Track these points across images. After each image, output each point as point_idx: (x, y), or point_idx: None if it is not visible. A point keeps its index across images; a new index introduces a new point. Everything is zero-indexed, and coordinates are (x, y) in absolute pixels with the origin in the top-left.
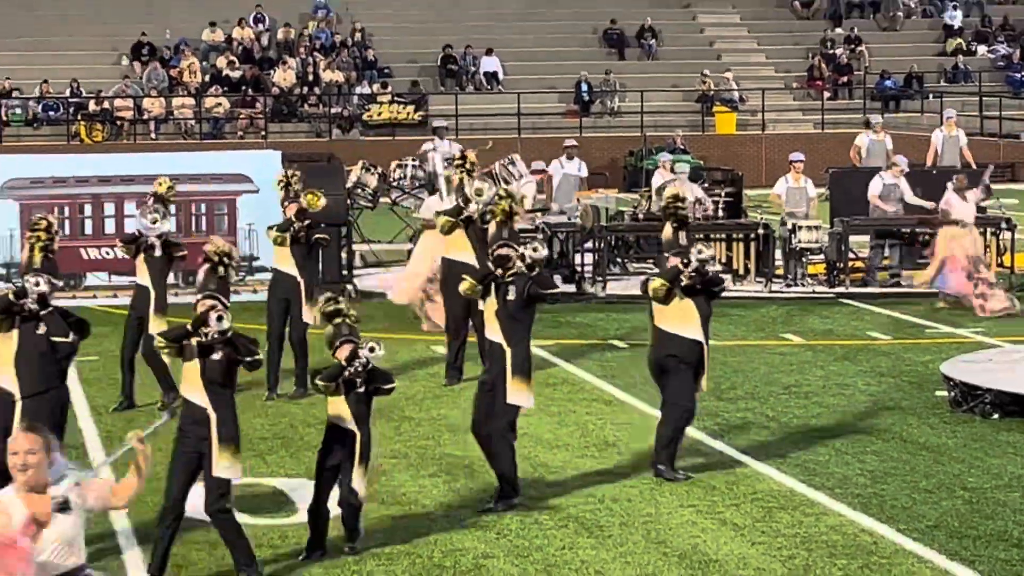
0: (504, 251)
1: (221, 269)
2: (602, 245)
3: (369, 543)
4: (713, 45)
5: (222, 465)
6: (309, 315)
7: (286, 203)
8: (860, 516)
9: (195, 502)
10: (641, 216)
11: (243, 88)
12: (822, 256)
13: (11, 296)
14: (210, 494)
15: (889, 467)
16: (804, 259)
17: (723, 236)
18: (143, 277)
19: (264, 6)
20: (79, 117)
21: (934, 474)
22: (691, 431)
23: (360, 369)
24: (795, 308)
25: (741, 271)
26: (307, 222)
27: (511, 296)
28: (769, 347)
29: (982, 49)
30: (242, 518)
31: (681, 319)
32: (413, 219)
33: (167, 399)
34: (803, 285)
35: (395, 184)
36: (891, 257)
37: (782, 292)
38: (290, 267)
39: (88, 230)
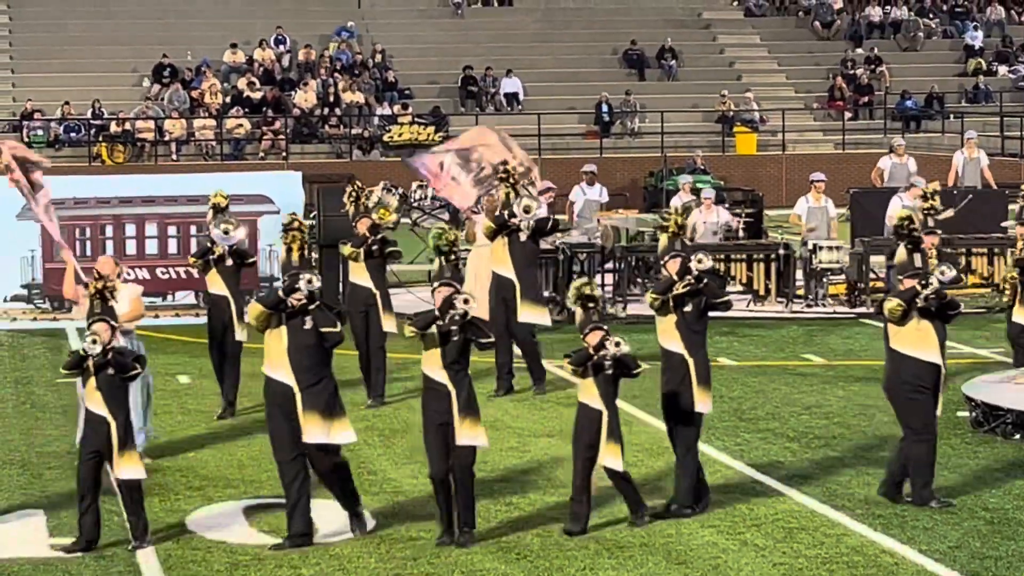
0: (678, 263)
1: (452, 257)
2: (622, 266)
3: (390, 563)
4: (733, 66)
5: (466, 434)
6: (389, 324)
7: (357, 218)
8: (881, 537)
9: (214, 521)
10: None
11: (264, 109)
12: (843, 276)
13: (281, 293)
14: (458, 460)
15: (910, 488)
16: (825, 279)
17: (743, 256)
18: (218, 287)
19: (285, 27)
20: (100, 138)
21: (955, 494)
22: (711, 451)
23: (609, 359)
24: (816, 328)
25: (762, 291)
26: (380, 236)
27: (688, 308)
28: (790, 367)
29: (1003, 69)
30: (262, 538)
31: (918, 342)
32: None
33: (227, 413)
34: (824, 305)
35: (416, 205)
36: None
37: (803, 312)
38: (365, 280)
39: (109, 251)
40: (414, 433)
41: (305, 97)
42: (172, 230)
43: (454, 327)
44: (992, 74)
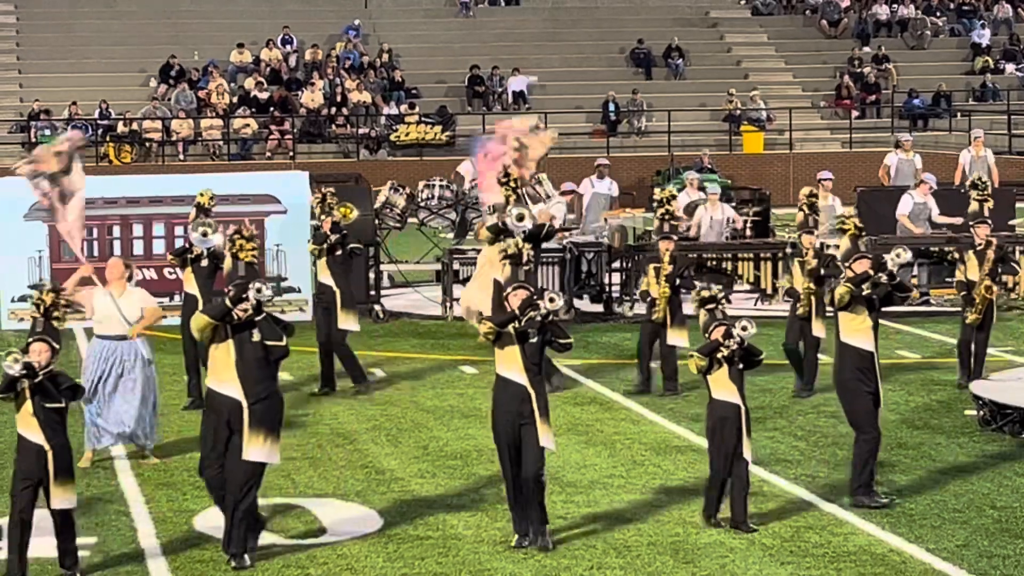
0: (866, 263)
1: (523, 260)
2: (630, 265)
3: (397, 563)
4: (740, 64)
5: (544, 435)
6: (346, 322)
7: (322, 217)
8: (889, 535)
9: (217, 523)
10: None
11: (271, 109)
12: None
13: (228, 303)
14: (533, 462)
15: (918, 486)
16: (832, 278)
17: (751, 255)
18: (191, 287)
19: (291, 27)
20: (108, 139)
21: (963, 493)
22: None
23: (735, 347)
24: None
25: (769, 290)
26: (342, 233)
27: (876, 306)
28: None
29: (1010, 67)
30: (270, 538)
31: None
32: (441, 239)
33: (197, 403)
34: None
35: (423, 204)
36: (918, 276)
37: None
38: (327, 277)
39: (117, 251)
40: (422, 432)
41: (312, 97)
42: (179, 230)
43: (532, 328)
44: (999, 72)
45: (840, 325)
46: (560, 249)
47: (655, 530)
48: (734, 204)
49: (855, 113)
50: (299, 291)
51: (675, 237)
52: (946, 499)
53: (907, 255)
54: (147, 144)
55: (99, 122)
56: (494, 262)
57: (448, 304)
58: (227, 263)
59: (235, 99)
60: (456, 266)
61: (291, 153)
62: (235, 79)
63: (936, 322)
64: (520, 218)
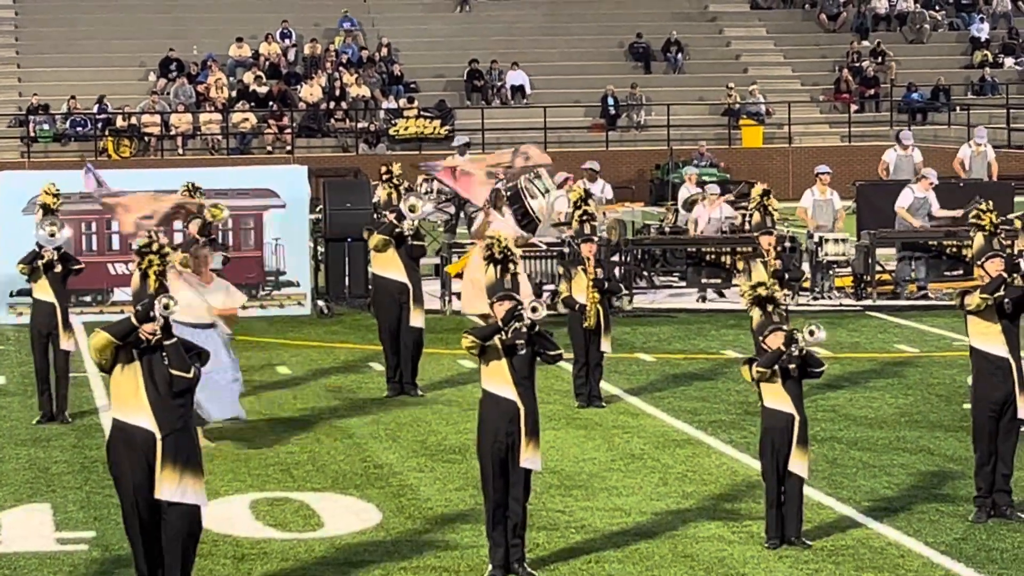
0: (1000, 263)
1: (511, 266)
2: (628, 259)
3: (395, 555)
4: (739, 58)
5: (529, 456)
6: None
7: (189, 219)
8: (887, 529)
9: (220, 515)
10: (667, 229)
11: (270, 103)
12: (849, 269)
13: (134, 321)
14: (518, 486)
15: (916, 480)
16: (831, 272)
17: (749, 249)
18: (45, 293)
19: (290, 21)
20: (107, 133)
21: (962, 487)
22: (716, 444)
23: (796, 355)
24: (822, 321)
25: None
26: (210, 236)
27: (1011, 310)
28: None
29: (1009, 61)
30: (269, 532)
31: None
32: (439, 233)
33: (60, 417)
34: (830, 298)
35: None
36: (917, 270)
37: (809, 305)
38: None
39: (115, 245)
40: (420, 426)
41: (311, 91)
42: (177, 224)
43: (520, 340)
44: (998, 66)
45: (968, 328)
46: (560, 243)
47: (653, 523)
48: (732, 199)
49: (854, 107)
50: (298, 285)
51: (596, 239)
52: (945, 493)
53: None
54: (146, 138)
55: (98, 116)
56: (386, 264)
57: (446, 298)
58: (134, 281)
59: (234, 93)
60: (454, 260)
61: (290, 147)
62: (234, 73)
63: (935, 316)
64: (413, 208)
